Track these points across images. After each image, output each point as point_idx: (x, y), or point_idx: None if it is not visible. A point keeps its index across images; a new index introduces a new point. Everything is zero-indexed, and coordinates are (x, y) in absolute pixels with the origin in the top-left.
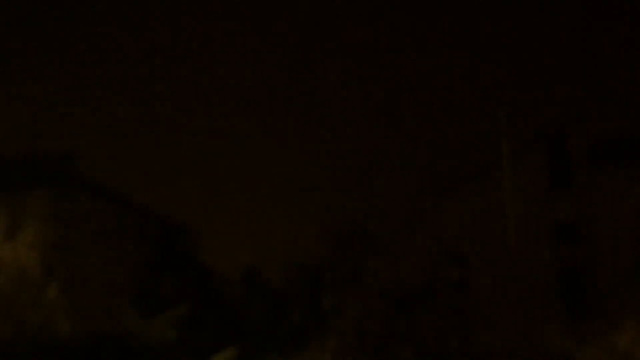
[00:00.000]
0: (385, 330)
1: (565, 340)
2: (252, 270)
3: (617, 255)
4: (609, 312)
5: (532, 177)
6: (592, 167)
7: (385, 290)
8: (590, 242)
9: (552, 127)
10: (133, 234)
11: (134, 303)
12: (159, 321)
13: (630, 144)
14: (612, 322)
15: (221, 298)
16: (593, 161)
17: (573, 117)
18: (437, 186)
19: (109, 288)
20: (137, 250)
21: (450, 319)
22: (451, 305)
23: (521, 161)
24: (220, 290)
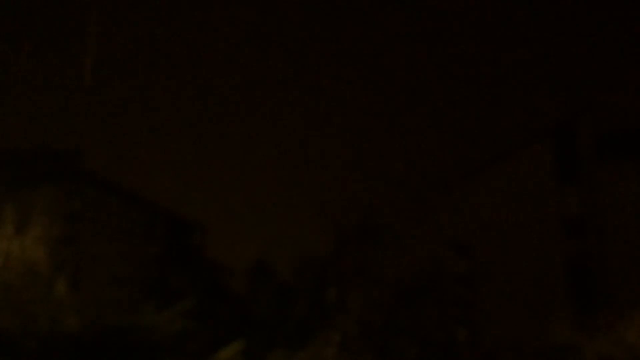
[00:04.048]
0: (390, 323)
1: (573, 333)
2: (259, 264)
3: (625, 248)
4: (617, 305)
5: (539, 170)
6: (600, 161)
7: (390, 283)
8: (598, 235)
9: (559, 121)
10: (141, 229)
11: (143, 296)
12: (168, 314)
13: (637, 137)
14: (621, 315)
15: (229, 291)
16: (600, 155)
17: (581, 111)
18: (443, 179)
19: (118, 282)
20: (145, 245)
21: (456, 312)
22: (457, 298)
23: (528, 155)
24: (227, 283)
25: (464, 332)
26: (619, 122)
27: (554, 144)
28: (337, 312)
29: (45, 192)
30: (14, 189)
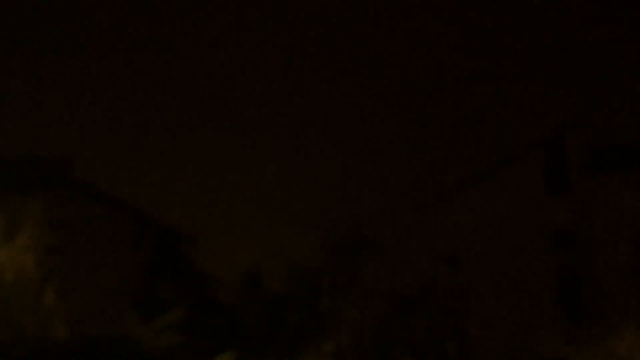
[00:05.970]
0: (382, 333)
1: (563, 344)
2: (250, 274)
3: (615, 260)
4: (606, 316)
5: (529, 183)
6: (589, 173)
7: (382, 294)
8: (587, 247)
9: (549, 134)
10: (130, 238)
11: (131, 307)
12: (157, 325)
13: (626, 150)
14: (610, 326)
15: (219, 301)
16: (589, 167)
17: (570, 123)
18: (434, 191)
19: (106, 292)
20: (134, 255)
21: (448, 322)
22: (448, 309)
23: (519, 167)
24: (217, 293)
25: (456, 343)
26: (607, 135)
27: (544, 156)
28: (329, 322)
29: (34, 200)
30: (2, 196)
